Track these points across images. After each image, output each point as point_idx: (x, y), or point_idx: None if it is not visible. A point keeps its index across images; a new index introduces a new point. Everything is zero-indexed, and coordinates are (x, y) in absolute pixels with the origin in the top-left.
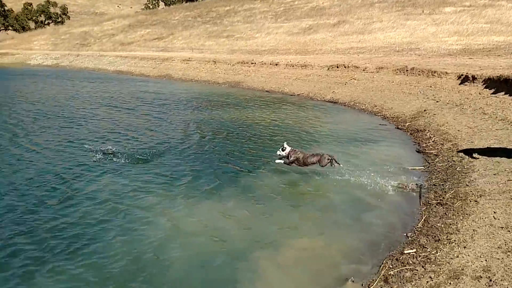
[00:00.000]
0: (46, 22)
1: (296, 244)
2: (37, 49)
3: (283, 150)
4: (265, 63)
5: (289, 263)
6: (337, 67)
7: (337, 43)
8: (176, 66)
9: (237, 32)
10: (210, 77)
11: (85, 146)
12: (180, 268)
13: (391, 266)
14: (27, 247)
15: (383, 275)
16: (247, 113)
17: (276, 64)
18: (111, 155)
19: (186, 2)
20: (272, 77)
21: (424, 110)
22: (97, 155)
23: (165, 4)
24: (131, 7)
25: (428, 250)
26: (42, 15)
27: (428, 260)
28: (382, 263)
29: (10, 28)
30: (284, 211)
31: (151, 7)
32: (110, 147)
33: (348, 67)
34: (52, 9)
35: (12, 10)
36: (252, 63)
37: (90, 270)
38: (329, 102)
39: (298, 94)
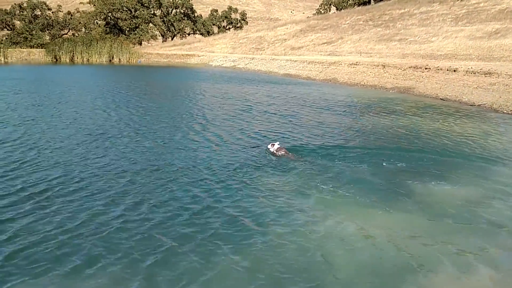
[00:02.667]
0: (227, 27)
1: (482, 275)
2: (218, 52)
3: (272, 146)
4: (441, 69)
5: None
6: None
7: None
8: (342, 70)
9: (410, 36)
10: (378, 82)
11: (258, 141)
12: (342, 274)
13: None
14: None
15: None
16: (417, 122)
17: (454, 70)
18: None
19: (359, 6)
20: (449, 84)
21: None
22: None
23: (337, 9)
24: (303, 13)
25: None
26: (224, 20)
27: None
28: None
29: (198, 32)
30: (466, 234)
31: (322, 12)
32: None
33: None
34: (233, 15)
35: (200, 15)
36: (426, 68)
37: (249, 263)
38: None
39: (479, 105)
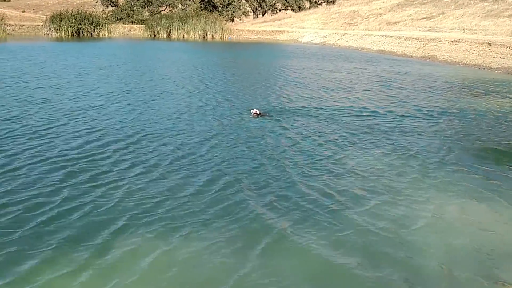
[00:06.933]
0: (319, 2)
1: None
2: (308, 28)
3: (256, 108)
4: None
5: None
6: None
7: None
8: (442, 47)
9: None
10: (482, 61)
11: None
12: (440, 261)
13: None
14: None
15: None
16: None
17: None
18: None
19: None
20: None
21: None
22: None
23: None
24: None
25: None
26: None
27: None
28: None
29: (289, 8)
30: None
31: None
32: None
33: None
34: None
35: None
36: None
37: (330, 244)
38: None
39: None
